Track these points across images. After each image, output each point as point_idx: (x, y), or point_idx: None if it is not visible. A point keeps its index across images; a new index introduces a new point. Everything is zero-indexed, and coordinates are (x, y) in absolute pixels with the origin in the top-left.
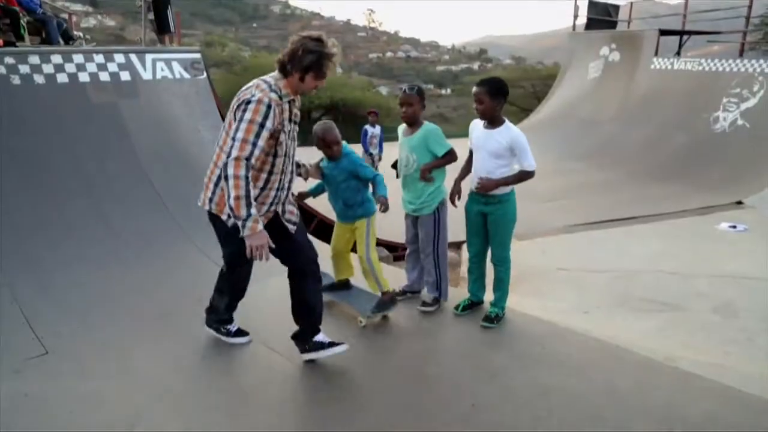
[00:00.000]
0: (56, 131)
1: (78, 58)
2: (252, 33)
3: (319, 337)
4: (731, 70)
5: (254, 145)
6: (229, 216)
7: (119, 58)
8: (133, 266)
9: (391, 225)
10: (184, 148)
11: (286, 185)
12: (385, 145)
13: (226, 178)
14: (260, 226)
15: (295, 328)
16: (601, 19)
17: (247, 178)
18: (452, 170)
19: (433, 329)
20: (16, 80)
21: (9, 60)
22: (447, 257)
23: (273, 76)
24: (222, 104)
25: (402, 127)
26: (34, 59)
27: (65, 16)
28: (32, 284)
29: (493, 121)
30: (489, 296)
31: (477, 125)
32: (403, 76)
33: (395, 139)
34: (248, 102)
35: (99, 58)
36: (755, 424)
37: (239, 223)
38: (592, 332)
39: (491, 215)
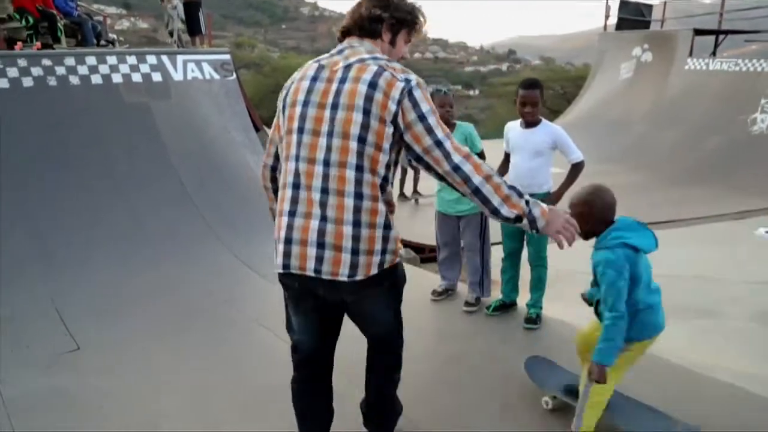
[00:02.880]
0: (90, 131)
1: (111, 60)
2: (281, 34)
3: None
4: None
5: None
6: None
7: (151, 59)
8: (163, 264)
9: (415, 226)
10: (214, 147)
11: None
12: None
13: (473, 177)
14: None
15: None
16: (634, 19)
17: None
18: None
19: (468, 332)
20: (52, 81)
21: (46, 62)
22: (491, 252)
23: (368, 48)
24: (252, 105)
25: None
26: (70, 61)
27: (100, 18)
28: (65, 280)
29: (534, 121)
30: (521, 298)
31: (513, 126)
32: (431, 77)
33: None
34: (412, 88)
35: (132, 60)
36: None
37: (525, 218)
38: None
39: None
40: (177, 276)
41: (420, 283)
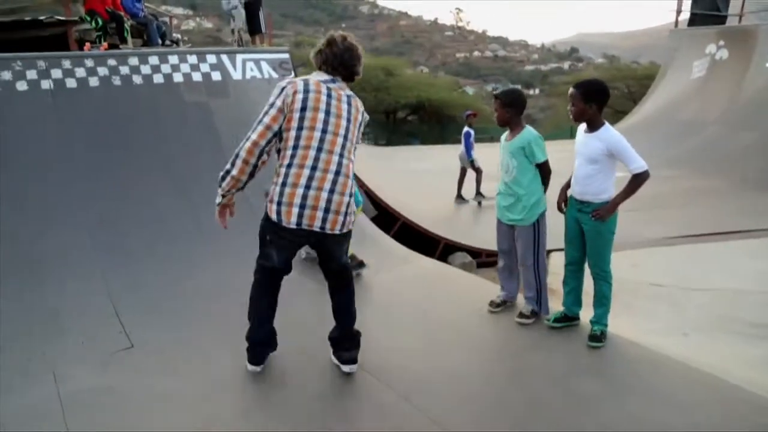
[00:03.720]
0: (152, 129)
1: (173, 59)
2: None
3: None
4: None
5: None
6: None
7: (211, 58)
8: (220, 263)
9: (473, 229)
10: None
11: None
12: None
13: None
14: None
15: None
16: (708, 14)
17: None
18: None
19: (525, 348)
20: (116, 81)
21: (111, 62)
22: (546, 269)
23: (346, 87)
24: None
25: (505, 132)
26: (134, 61)
27: (166, 19)
28: (123, 278)
29: (591, 125)
30: (585, 313)
31: (581, 129)
32: (490, 76)
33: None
34: (367, 119)
35: (192, 59)
36: None
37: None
38: (693, 360)
39: (587, 224)
40: (233, 275)
41: (477, 292)
